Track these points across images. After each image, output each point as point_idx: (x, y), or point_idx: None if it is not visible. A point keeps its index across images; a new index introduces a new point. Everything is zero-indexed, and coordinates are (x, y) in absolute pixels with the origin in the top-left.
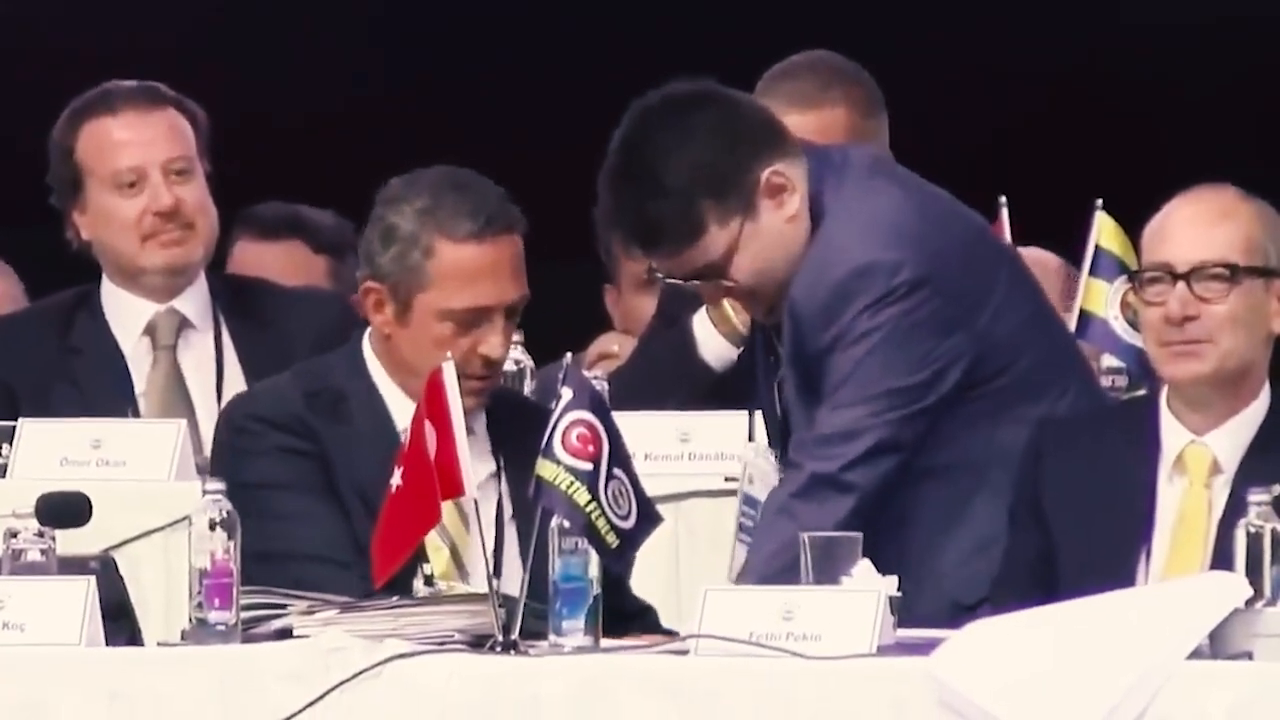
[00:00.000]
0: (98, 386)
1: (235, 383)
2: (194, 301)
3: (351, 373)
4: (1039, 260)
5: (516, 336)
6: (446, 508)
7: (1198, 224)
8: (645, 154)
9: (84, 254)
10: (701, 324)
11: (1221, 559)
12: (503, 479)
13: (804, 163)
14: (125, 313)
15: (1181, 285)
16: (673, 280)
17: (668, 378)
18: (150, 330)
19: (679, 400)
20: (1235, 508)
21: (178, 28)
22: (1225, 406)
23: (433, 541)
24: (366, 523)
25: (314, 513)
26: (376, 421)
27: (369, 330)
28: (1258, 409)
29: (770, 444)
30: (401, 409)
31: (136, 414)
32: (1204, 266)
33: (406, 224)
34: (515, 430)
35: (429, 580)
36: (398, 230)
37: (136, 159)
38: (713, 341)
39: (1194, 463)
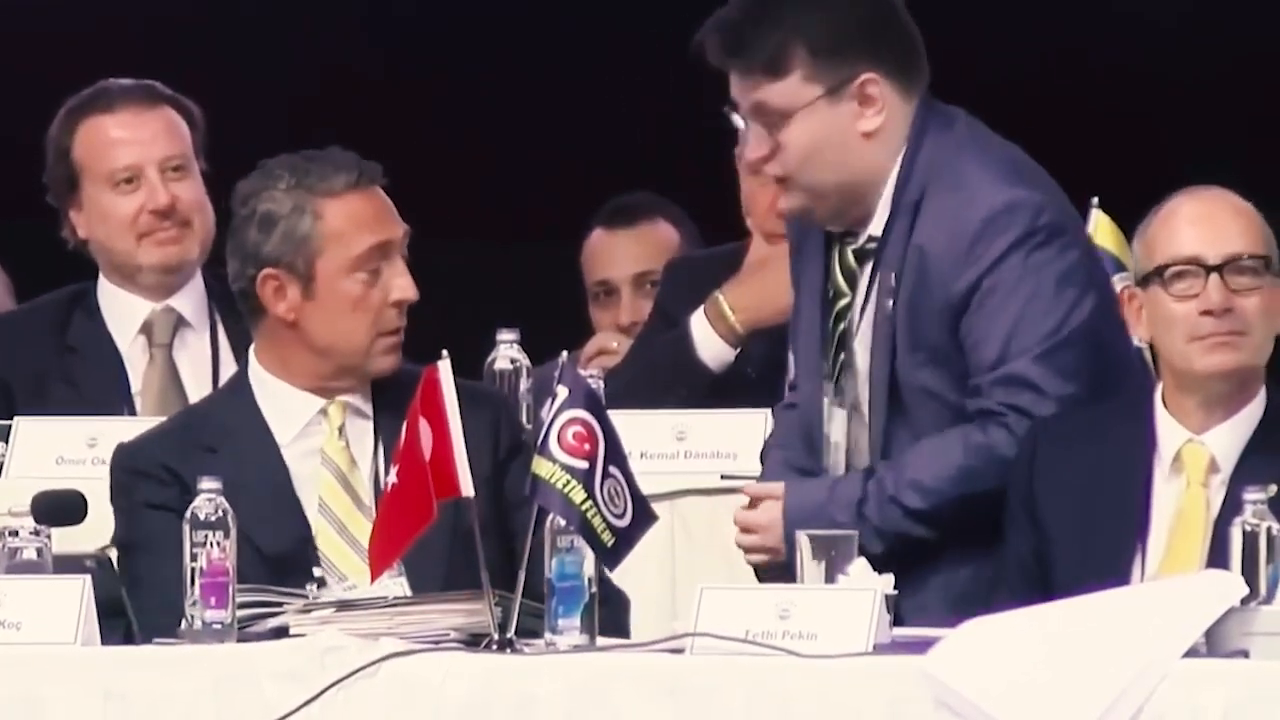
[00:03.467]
0: (94, 385)
1: None
2: (190, 300)
3: (235, 403)
4: None
5: (512, 334)
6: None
7: (1219, 218)
8: None
9: (80, 252)
10: (699, 324)
11: (1218, 558)
12: (379, 451)
13: (910, 106)
14: (122, 311)
15: (1215, 277)
16: (733, 112)
17: (665, 378)
18: (146, 329)
19: (676, 400)
20: (1232, 507)
21: (177, 26)
22: (1227, 405)
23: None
24: (252, 558)
25: (155, 579)
26: (258, 453)
27: (253, 349)
28: (1255, 408)
29: (795, 378)
30: (288, 421)
31: (133, 413)
32: (1237, 258)
33: (282, 204)
34: (395, 400)
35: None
36: (275, 213)
37: (133, 157)
38: (710, 341)
39: (1192, 461)
